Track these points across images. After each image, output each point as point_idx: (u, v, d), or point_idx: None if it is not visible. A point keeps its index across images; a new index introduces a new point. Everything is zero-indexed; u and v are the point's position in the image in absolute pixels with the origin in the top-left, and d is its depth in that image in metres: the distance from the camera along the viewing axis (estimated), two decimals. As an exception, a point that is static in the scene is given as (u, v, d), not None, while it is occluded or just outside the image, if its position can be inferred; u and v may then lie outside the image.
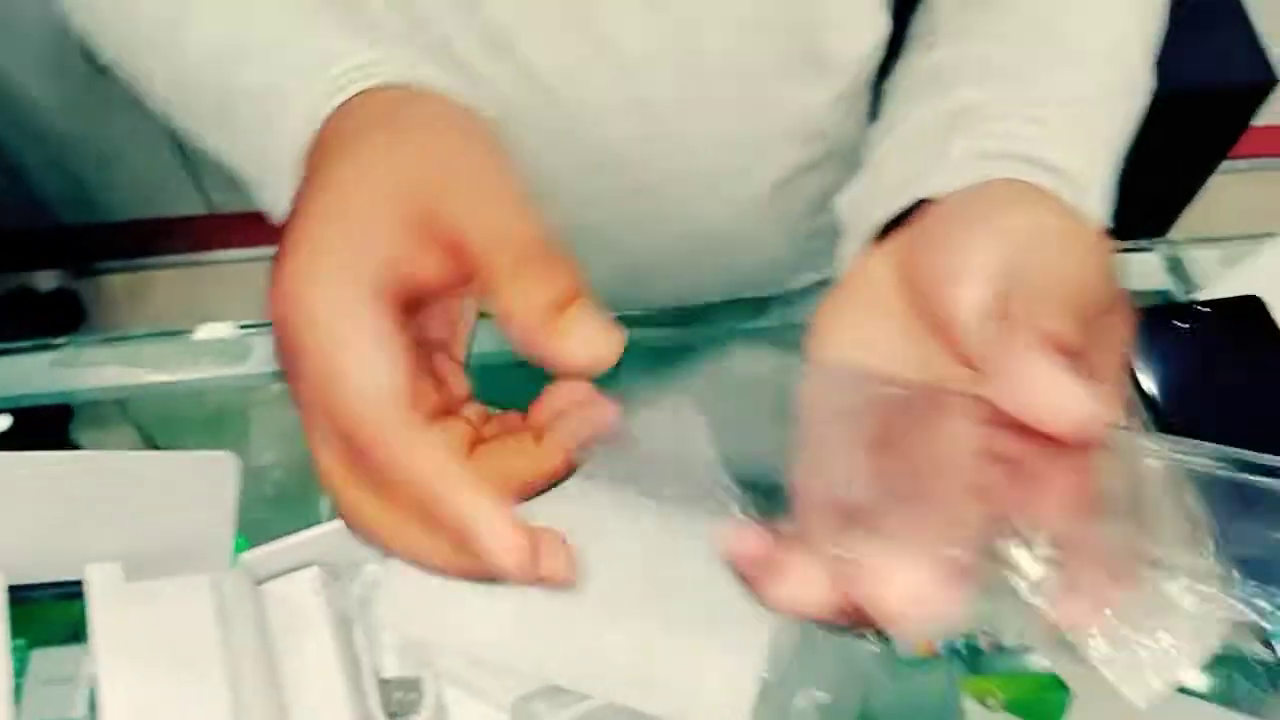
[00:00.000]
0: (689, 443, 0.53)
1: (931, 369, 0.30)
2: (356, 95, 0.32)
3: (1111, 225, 0.38)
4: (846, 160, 0.57)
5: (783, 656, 0.46)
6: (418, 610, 0.46)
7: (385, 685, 0.49)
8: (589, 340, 0.26)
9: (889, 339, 0.31)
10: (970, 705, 0.63)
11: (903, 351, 0.31)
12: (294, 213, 0.29)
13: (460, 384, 0.31)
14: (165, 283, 1.69)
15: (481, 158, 0.30)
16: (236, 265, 1.67)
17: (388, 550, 0.28)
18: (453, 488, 0.26)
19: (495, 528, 0.26)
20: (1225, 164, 1.47)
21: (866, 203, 0.36)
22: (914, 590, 0.25)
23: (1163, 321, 0.54)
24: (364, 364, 0.26)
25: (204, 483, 0.44)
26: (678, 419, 0.54)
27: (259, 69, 0.36)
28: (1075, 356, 0.25)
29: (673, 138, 0.52)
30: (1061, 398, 0.24)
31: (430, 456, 0.26)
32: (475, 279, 0.28)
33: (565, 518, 0.48)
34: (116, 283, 1.70)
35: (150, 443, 0.67)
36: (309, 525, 0.50)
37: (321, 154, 0.31)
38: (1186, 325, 0.53)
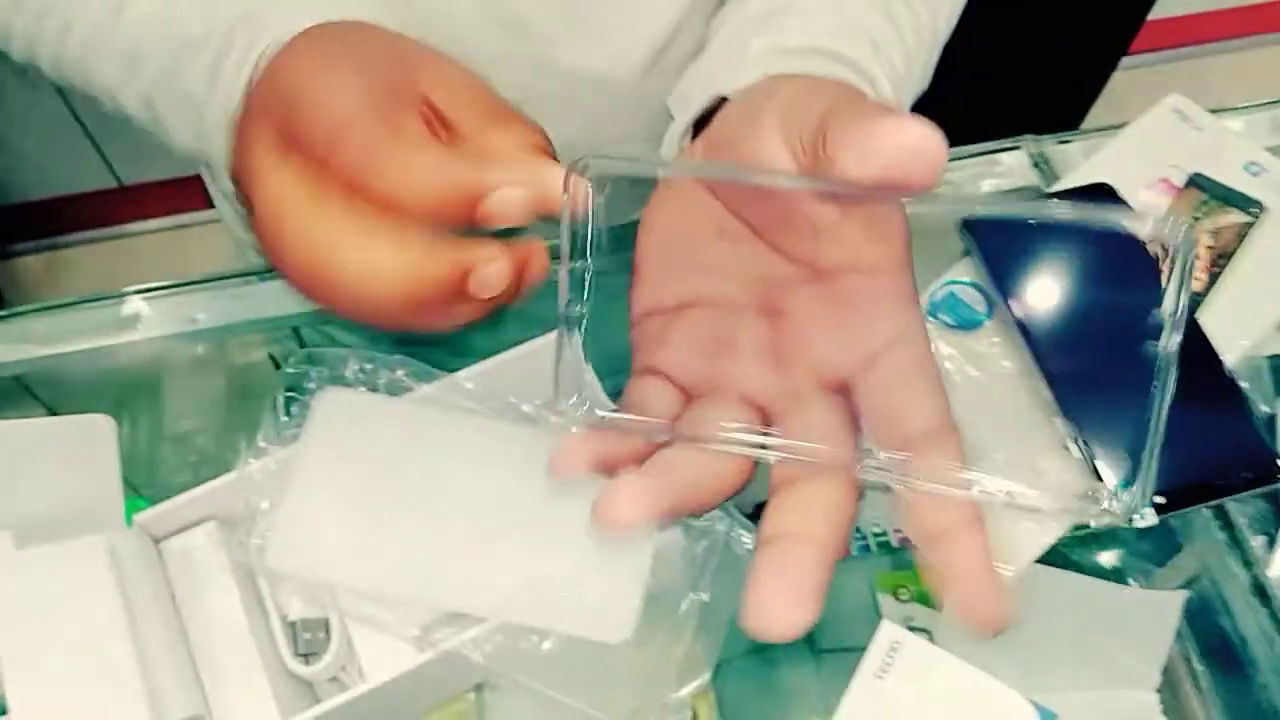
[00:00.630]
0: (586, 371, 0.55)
1: (759, 267, 0.31)
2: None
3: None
4: None
5: (667, 565, 0.48)
6: (310, 552, 0.48)
7: (292, 628, 0.51)
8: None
9: (708, 242, 0.32)
10: (885, 599, 0.66)
11: (726, 253, 0.32)
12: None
13: None
14: (81, 260, 1.66)
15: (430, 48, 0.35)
16: (152, 236, 1.65)
17: (335, 272, 0.31)
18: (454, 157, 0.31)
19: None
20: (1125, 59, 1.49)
21: (675, 107, 0.37)
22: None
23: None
24: (367, 85, 0.31)
25: (83, 447, 0.44)
26: (575, 348, 0.55)
27: (201, 19, 0.38)
28: None
29: (536, 53, 0.53)
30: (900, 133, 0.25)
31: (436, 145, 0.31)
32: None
33: (445, 441, 0.50)
34: (32, 264, 1.67)
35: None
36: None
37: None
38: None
